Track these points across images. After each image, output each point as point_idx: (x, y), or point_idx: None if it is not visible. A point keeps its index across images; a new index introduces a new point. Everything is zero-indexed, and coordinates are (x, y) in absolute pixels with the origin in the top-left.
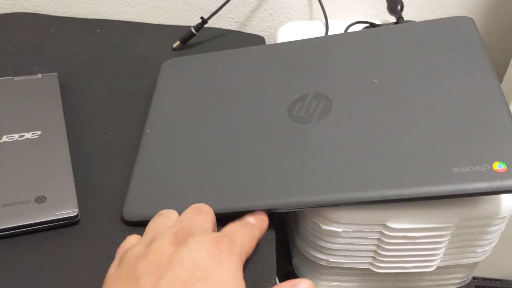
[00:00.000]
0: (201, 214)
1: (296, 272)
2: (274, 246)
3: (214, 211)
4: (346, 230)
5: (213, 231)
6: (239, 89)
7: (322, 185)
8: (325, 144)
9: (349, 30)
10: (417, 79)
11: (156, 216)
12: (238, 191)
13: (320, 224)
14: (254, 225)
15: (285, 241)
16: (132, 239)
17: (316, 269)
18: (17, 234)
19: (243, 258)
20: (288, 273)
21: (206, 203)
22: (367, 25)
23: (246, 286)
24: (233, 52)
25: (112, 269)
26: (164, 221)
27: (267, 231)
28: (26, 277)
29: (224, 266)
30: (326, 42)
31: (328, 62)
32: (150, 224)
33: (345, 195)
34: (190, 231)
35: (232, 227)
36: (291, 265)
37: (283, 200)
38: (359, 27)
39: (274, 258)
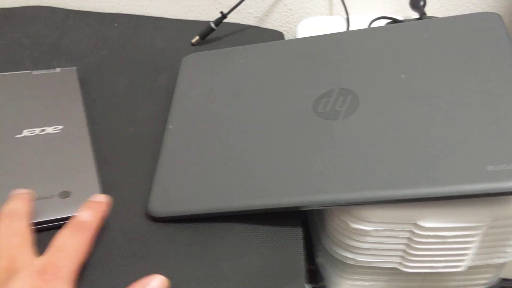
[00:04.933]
0: (16, 236)
1: (320, 270)
2: (302, 246)
3: (239, 208)
4: (376, 228)
5: (32, 243)
6: (262, 84)
7: (351, 182)
8: (353, 140)
9: (371, 26)
10: (445, 75)
11: None
12: (264, 188)
13: (349, 223)
14: (87, 223)
15: (306, 238)
16: None
17: (342, 268)
18: (41, 230)
19: (74, 275)
20: (310, 272)
21: (232, 200)
22: (390, 20)
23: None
24: (254, 47)
25: None
26: None
27: (294, 229)
28: None
29: None
30: (350, 37)
31: (352, 57)
32: None
33: (377, 193)
34: (15, 266)
35: (60, 238)
36: (313, 264)
37: (311, 198)
38: (382, 23)
39: (303, 258)
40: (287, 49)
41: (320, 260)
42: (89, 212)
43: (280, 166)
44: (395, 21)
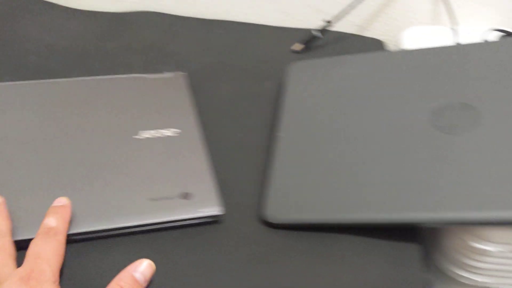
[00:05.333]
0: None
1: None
2: (421, 262)
3: (360, 221)
4: (500, 250)
5: (14, 258)
6: (375, 95)
7: (478, 201)
8: (477, 157)
9: (484, 38)
10: None
11: None
12: (385, 201)
13: (470, 242)
14: (56, 227)
15: None
16: None
17: (455, 287)
18: (159, 229)
19: (56, 277)
20: None
21: (352, 212)
22: (505, 34)
23: None
24: (365, 56)
25: None
26: None
27: (412, 245)
28: (170, 274)
29: None
30: (466, 50)
31: (471, 71)
32: None
33: (506, 214)
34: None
35: (35, 246)
36: None
37: (436, 215)
38: (494, 35)
39: (422, 275)
40: (400, 59)
41: (430, 277)
42: (55, 217)
43: (398, 179)
44: (509, 34)
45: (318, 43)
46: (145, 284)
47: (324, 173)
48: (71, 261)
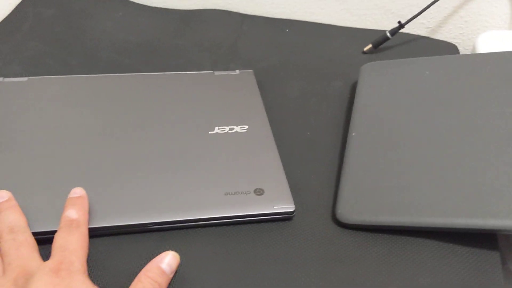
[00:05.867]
0: (23, 247)
1: None
2: (501, 270)
3: (438, 225)
4: None
5: (38, 251)
6: (448, 97)
7: None
8: None
9: None
10: None
11: None
12: (457, 205)
13: None
14: (77, 219)
15: None
16: None
17: None
18: (237, 223)
19: (85, 267)
20: None
21: (421, 215)
22: None
23: None
24: (439, 58)
25: None
26: None
27: (492, 252)
28: (242, 268)
29: (76, 285)
30: None
31: None
32: None
33: None
34: (28, 272)
35: (61, 239)
36: None
37: None
38: None
39: (502, 283)
40: (476, 63)
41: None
42: (74, 209)
43: (475, 183)
44: None
45: (388, 44)
46: (171, 275)
47: (398, 174)
48: (152, 249)
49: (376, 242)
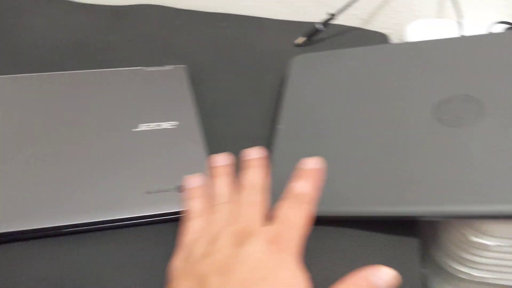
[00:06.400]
0: (254, 206)
1: (425, 281)
2: (418, 257)
3: (356, 214)
4: (499, 244)
5: (266, 213)
6: (376, 88)
7: (478, 195)
8: (479, 150)
9: (491, 31)
10: None
11: (210, 209)
12: (383, 195)
13: (469, 236)
14: (307, 195)
15: None
16: (193, 231)
17: (452, 281)
18: (155, 222)
19: (298, 250)
20: None
21: (348, 205)
22: (509, 26)
23: None
24: (367, 49)
25: (179, 262)
26: (220, 216)
27: (410, 239)
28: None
29: (285, 264)
30: (469, 42)
31: (474, 63)
32: (206, 218)
33: (507, 208)
34: (248, 231)
35: (286, 211)
36: None
37: (434, 209)
38: (500, 28)
39: (419, 270)
40: (402, 52)
41: (425, 271)
42: (307, 182)
43: (398, 173)
44: None
45: (321, 36)
46: None
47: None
48: (66, 254)
49: None
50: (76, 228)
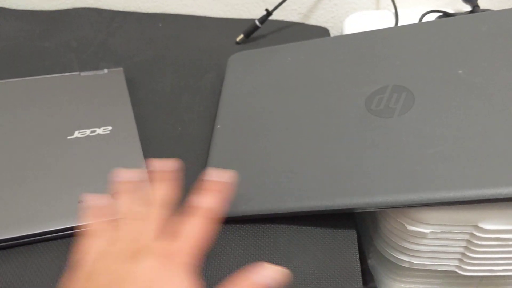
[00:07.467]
0: (150, 221)
1: (372, 273)
2: (356, 248)
3: (291, 210)
4: (434, 231)
5: (160, 228)
6: (311, 82)
7: (409, 183)
8: (410, 139)
9: (422, 20)
10: (506, 71)
11: (109, 226)
12: (317, 189)
13: (406, 225)
14: (208, 209)
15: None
16: (92, 249)
17: (396, 271)
18: None
19: (195, 261)
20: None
21: (283, 201)
22: (441, 14)
23: None
24: (301, 44)
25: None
26: (117, 233)
27: (348, 231)
28: None
29: (177, 277)
30: (401, 32)
31: (405, 53)
32: (104, 236)
33: (437, 195)
34: (141, 247)
35: (185, 226)
36: (362, 264)
37: (367, 199)
38: (432, 17)
39: (358, 261)
40: (335, 45)
41: (371, 262)
42: (209, 196)
43: (332, 166)
44: (446, 14)
45: (262, 33)
46: None
47: (258, 164)
48: None
49: (236, 233)
50: (3, 244)
